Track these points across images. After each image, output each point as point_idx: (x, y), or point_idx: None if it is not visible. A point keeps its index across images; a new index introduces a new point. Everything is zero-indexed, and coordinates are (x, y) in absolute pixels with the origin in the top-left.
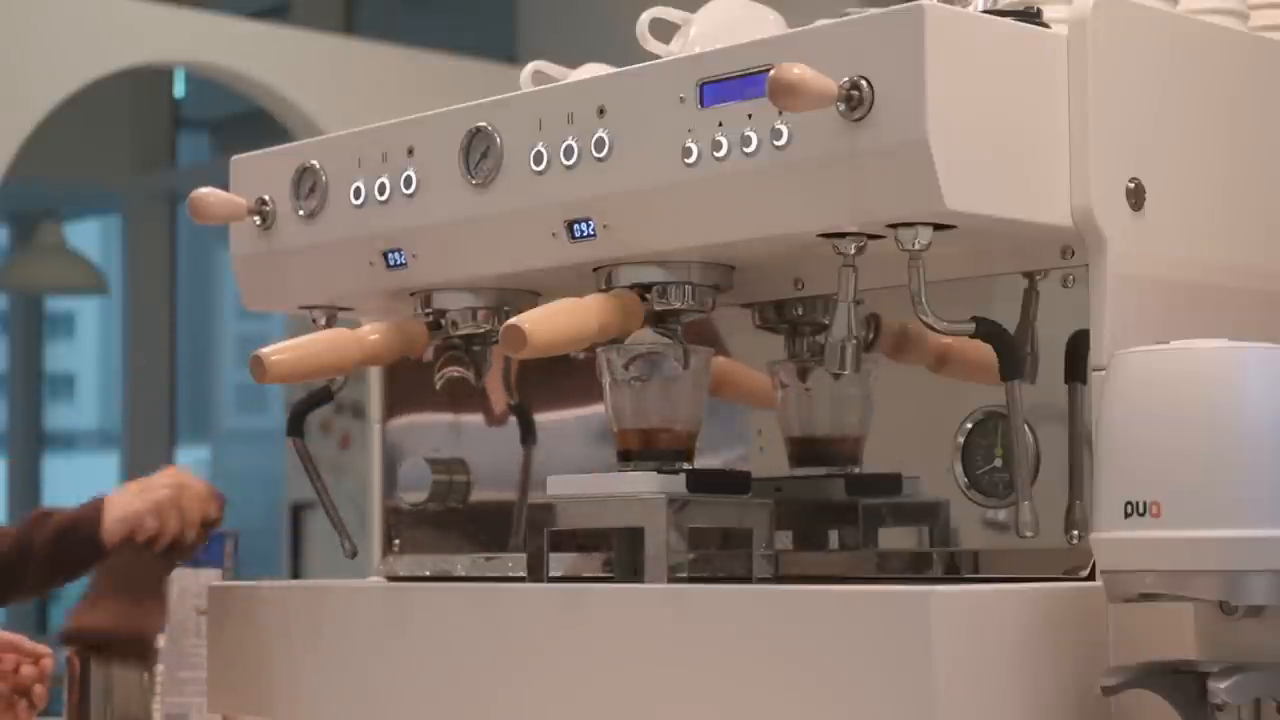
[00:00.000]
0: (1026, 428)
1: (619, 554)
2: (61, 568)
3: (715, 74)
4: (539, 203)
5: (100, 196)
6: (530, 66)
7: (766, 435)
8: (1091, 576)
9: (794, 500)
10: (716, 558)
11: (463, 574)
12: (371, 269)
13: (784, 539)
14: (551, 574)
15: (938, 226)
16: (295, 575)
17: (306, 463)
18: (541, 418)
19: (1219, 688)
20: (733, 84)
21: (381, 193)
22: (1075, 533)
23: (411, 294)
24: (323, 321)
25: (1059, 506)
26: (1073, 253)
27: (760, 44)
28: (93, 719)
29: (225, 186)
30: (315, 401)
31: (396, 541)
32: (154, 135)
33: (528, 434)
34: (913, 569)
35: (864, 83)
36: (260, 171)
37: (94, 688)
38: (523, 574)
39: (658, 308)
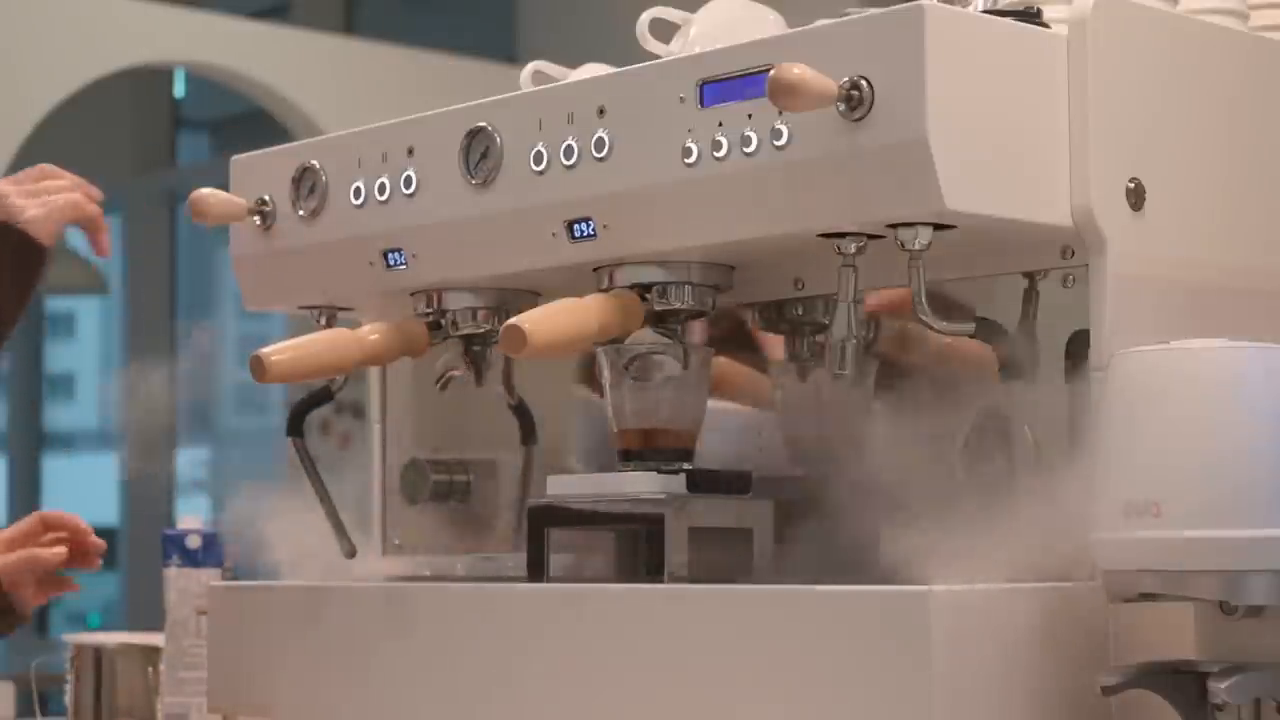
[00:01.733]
0: (1026, 428)
1: (619, 554)
2: None
3: (715, 74)
4: (539, 203)
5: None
6: (530, 66)
7: (766, 435)
8: (1092, 576)
9: (794, 500)
10: (716, 558)
11: (463, 574)
12: (371, 269)
13: (784, 539)
14: (551, 574)
15: (938, 226)
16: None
17: (306, 463)
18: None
19: (1219, 688)
20: (733, 84)
21: (381, 193)
22: (1076, 533)
23: (411, 294)
24: (323, 321)
25: (1059, 506)
26: (1073, 253)
27: (760, 44)
28: (96, 717)
29: (225, 186)
30: (315, 401)
31: (396, 541)
32: (154, 135)
33: (528, 434)
34: (912, 569)
35: (864, 83)
36: (260, 171)
37: (103, 686)
38: (523, 574)
39: (658, 308)
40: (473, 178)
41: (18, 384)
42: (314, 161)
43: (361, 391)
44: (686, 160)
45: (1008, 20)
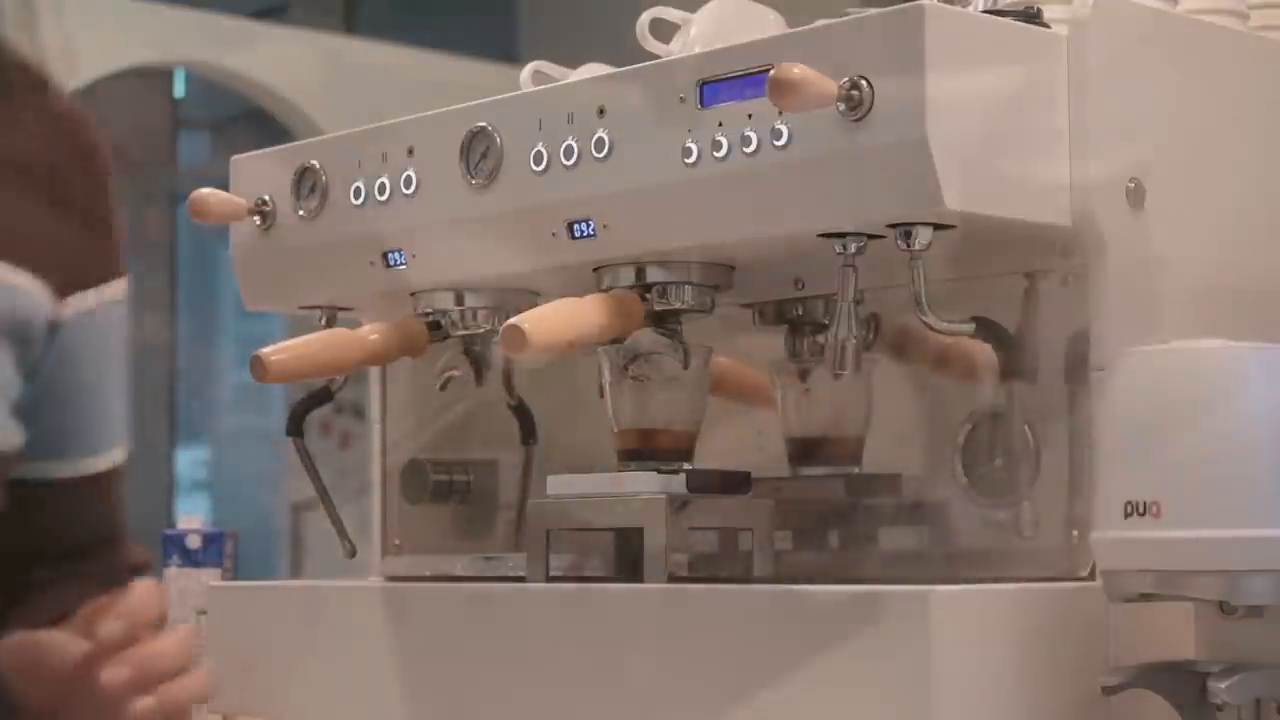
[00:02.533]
0: (1026, 428)
1: (619, 554)
2: None
3: (715, 74)
4: (539, 203)
5: None
6: (530, 66)
7: (766, 435)
8: (1091, 576)
9: (794, 500)
10: (716, 558)
11: (463, 574)
12: (371, 269)
13: (784, 539)
14: (551, 574)
15: (938, 226)
16: (295, 575)
17: (306, 463)
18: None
19: (1219, 688)
20: (733, 84)
21: (381, 193)
22: (1075, 533)
23: (412, 294)
24: (323, 321)
25: (1059, 506)
26: (1073, 253)
27: (760, 44)
28: None
29: (225, 186)
30: (315, 401)
31: (396, 541)
32: (154, 135)
33: (528, 434)
34: (913, 569)
35: (864, 83)
36: (260, 171)
37: None
38: (523, 574)
39: (658, 308)
40: (473, 178)
41: None
42: (314, 161)
43: (361, 391)
44: (686, 160)
45: (1008, 20)
